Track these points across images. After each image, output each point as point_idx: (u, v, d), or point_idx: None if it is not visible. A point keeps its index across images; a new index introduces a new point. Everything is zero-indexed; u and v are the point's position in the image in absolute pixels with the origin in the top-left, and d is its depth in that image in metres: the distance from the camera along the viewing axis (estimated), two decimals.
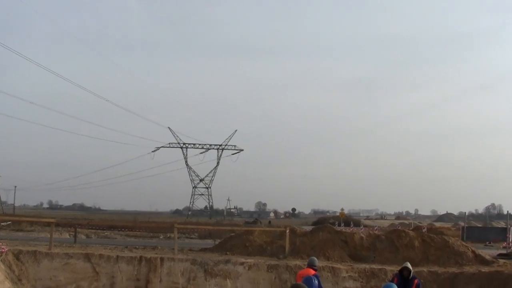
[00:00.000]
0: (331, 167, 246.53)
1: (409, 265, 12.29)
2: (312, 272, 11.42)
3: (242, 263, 18.71)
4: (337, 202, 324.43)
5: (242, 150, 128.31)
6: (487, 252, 24.39)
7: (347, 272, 18.59)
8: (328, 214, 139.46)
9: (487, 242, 35.89)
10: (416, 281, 12.13)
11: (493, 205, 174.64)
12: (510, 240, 31.43)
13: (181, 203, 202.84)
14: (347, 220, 67.04)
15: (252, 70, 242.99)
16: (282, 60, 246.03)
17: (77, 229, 33.99)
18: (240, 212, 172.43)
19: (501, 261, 22.22)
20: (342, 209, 68.29)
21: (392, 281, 12.32)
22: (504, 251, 27.75)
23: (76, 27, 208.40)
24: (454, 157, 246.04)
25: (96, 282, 17.36)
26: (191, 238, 39.93)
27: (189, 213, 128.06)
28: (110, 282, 17.45)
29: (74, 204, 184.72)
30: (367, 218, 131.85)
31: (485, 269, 18.66)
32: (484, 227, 60.88)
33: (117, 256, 18.18)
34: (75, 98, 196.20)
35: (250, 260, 19.30)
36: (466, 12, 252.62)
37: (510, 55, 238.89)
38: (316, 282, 10.54)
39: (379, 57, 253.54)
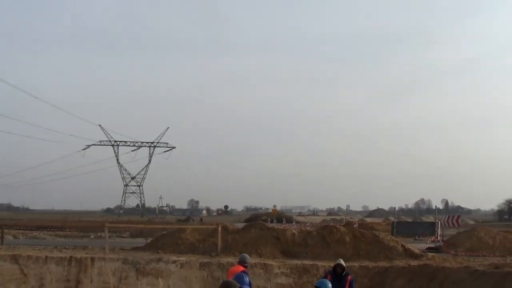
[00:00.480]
0: (263, 164, 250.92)
1: (342, 262, 12.93)
2: (241, 268, 11.94)
3: (174, 261, 18.99)
4: (269, 199, 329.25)
5: (174, 147, 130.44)
6: (416, 246, 25.71)
7: (279, 268, 19.13)
8: (260, 211, 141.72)
9: (417, 237, 37.51)
10: (349, 277, 12.78)
11: (422, 200, 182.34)
12: (439, 234, 33.26)
13: (112, 202, 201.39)
14: (280, 216, 68.58)
15: (185, 68, 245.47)
16: (214, 59, 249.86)
17: (4, 230, 33.09)
18: (173, 210, 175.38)
19: (430, 254, 23.60)
20: (275, 206, 70.08)
21: (325, 278, 13.04)
22: (432, 245, 29.28)
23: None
24: (385, 155, 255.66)
25: (24, 284, 17.18)
26: (123, 237, 39.77)
27: (121, 211, 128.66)
28: (38, 283, 17.31)
29: (1, 204, 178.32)
30: (300, 214, 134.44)
31: (414, 262, 19.65)
32: (413, 222, 63.53)
33: (46, 257, 18.01)
34: (2, 94, 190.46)
35: (182, 258, 19.59)
36: (402, 12, 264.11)
37: (436, 55, 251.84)
38: (247, 279, 11.04)
39: (319, 55, 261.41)
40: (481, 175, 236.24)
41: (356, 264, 19.64)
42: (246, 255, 12.97)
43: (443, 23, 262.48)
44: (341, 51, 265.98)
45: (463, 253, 24.43)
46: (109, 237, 23.19)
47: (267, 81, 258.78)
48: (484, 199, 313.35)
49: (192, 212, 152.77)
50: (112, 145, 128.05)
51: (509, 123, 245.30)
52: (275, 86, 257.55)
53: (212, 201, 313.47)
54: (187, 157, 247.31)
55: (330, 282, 8.62)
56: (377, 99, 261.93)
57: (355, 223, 49.89)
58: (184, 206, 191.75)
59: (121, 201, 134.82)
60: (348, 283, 12.57)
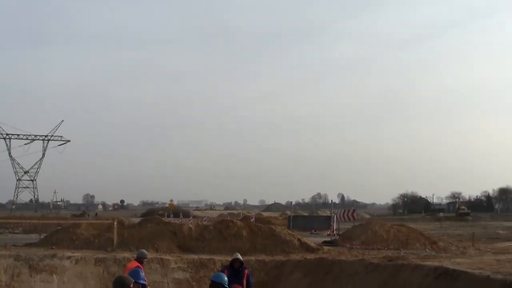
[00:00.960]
0: (160, 158, 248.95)
1: (239, 256, 13.31)
2: (136, 264, 12.11)
3: (68, 257, 18.73)
4: (166, 194, 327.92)
5: (69, 141, 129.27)
6: (312, 240, 26.75)
7: (176, 263, 19.31)
8: (157, 205, 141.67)
9: (313, 230, 38.86)
10: (246, 271, 13.19)
11: (319, 194, 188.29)
12: (334, 228, 34.70)
13: (4, 197, 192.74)
14: (176, 211, 68.89)
15: (80, 61, 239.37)
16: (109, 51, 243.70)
17: None
18: (68, 205, 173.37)
19: (326, 248, 24.63)
20: (171, 201, 70.57)
21: (222, 272, 13.44)
22: (328, 239, 30.39)
23: None
24: (283, 148, 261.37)
25: None
26: (15, 233, 38.22)
27: (13, 207, 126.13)
28: None
29: None
30: (197, 209, 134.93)
31: (310, 256, 20.45)
32: (310, 216, 65.66)
33: None
34: None
35: (77, 254, 19.38)
36: (287, 10, 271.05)
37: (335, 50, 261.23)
38: (143, 274, 11.23)
39: (218, 49, 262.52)
40: (377, 170, 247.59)
41: (253, 258, 20.11)
42: (144, 251, 13.10)
43: (325, 22, 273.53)
44: (229, 46, 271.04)
45: (358, 246, 25.56)
46: (0, 233, 22.35)
47: (164, 75, 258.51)
48: (379, 193, 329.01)
49: (87, 207, 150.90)
50: (4, 138, 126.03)
51: (400, 120, 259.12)
52: (171, 81, 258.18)
53: (108, 195, 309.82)
54: (82, 151, 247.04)
55: (226, 276, 8.98)
56: (273, 93, 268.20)
57: (252, 217, 50.76)
58: (80, 201, 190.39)
59: (14, 196, 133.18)
60: (245, 277, 12.97)
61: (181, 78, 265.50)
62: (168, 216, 56.04)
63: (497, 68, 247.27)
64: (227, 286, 8.43)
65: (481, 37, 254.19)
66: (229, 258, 20.19)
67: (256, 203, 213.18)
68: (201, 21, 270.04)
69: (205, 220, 45.33)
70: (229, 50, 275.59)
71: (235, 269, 13.00)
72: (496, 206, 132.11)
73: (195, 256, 20.56)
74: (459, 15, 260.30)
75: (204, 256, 20.65)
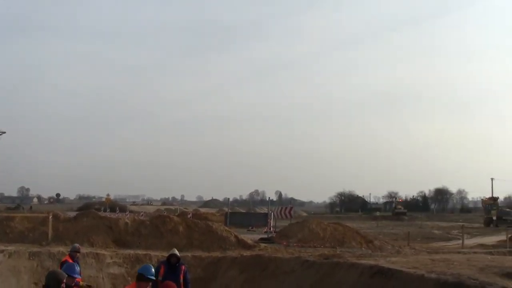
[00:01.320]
0: (98, 152, 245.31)
1: (176, 252, 13.21)
2: (69, 258, 11.83)
3: (2, 251, 18.32)
4: (103, 188, 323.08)
5: (4, 132, 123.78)
6: (249, 237, 26.89)
7: (111, 258, 19.15)
8: (94, 199, 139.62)
9: (250, 227, 38.97)
10: (183, 267, 13.11)
11: (256, 191, 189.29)
12: (271, 225, 34.91)
13: None
14: (113, 205, 69.00)
15: (18, 51, 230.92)
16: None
17: None
18: (1, 198, 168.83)
19: (262, 245, 24.81)
20: (108, 195, 69.85)
21: (158, 269, 13.21)
22: (265, 236, 30.69)
23: None
24: (222, 144, 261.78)
25: None
26: None
27: None
28: None
29: None
30: (134, 204, 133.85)
31: (247, 253, 20.59)
32: (247, 212, 65.89)
33: None
34: None
35: (11, 248, 18.99)
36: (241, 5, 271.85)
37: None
38: (78, 268, 10.99)
39: (156, 45, 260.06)
40: (315, 169, 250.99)
41: (189, 254, 20.08)
42: (76, 245, 12.85)
43: (278, 18, 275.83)
44: (181, 40, 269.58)
45: (295, 244, 25.80)
46: None
47: (106, 68, 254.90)
48: (317, 192, 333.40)
49: (22, 200, 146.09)
50: None
51: (338, 119, 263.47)
52: (113, 74, 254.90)
53: (43, 189, 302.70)
54: (17, 143, 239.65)
55: (152, 267, 8.87)
56: (218, 88, 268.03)
57: (189, 213, 50.68)
58: (14, 193, 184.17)
59: None
60: (182, 273, 12.89)
61: (123, 72, 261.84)
62: (105, 211, 55.74)
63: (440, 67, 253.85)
64: (152, 278, 8.38)
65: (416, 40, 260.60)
66: (165, 254, 20.03)
67: (194, 199, 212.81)
68: (148, 16, 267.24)
69: (141, 215, 44.86)
70: (172, 45, 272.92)
71: (171, 265, 12.89)
72: (432, 206, 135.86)
73: (131, 251, 20.44)
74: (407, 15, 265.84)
75: (140, 252, 20.54)
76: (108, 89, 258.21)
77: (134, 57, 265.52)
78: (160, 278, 12.66)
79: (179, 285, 12.67)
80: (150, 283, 8.51)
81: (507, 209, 75.90)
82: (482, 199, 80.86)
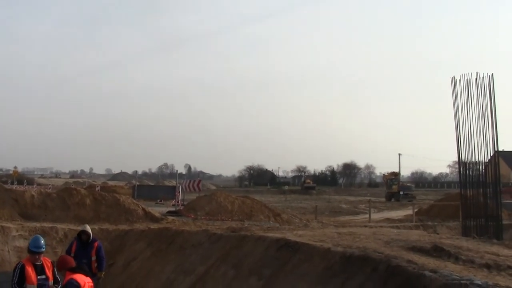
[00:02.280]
0: (5, 123, 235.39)
1: (87, 229, 12.84)
2: None
3: None
4: (10, 160, 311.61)
5: None
6: (157, 210, 26.75)
7: (17, 231, 18.62)
8: (1, 172, 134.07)
9: (158, 200, 38.89)
10: (96, 243, 12.77)
11: (165, 164, 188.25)
12: (179, 198, 34.81)
13: None
14: (21, 178, 68.01)
15: None
16: None
17: None
18: None
19: (170, 218, 24.74)
20: (15, 167, 67.76)
21: (70, 246, 12.87)
22: (173, 209, 30.65)
23: None
24: (131, 118, 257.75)
25: None
26: None
27: None
28: None
29: None
30: (42, 176, 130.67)
31: (154, 226, 20.46)
32: (155, 185, 65.61)
33: None
34: None
35: None
36: None
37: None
38: None
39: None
40: (224, 143, 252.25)
41: (96, 227, 19.77)
42: None
43: None
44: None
45: (202, 217, 25.90)
46: None
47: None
48: (226, 165, 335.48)
49: None
50: None
51: (246, 94, 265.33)
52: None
53: None
54: None
55: (40, 239, 8.67)
56: (118, 62, 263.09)
57: (97, 186, 49.70)
58: None
59: None
60: (94, 249, 12.61)
61: (22, 45, 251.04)
62: (12, 183, 54.35)
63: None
64: (35, 250, 8.23)
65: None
66: (72, 227, 19.81)
67: (103, 172, 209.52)
68: None
69: (49, 188, 43.58)
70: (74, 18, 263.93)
71: (83, 242, 12.58)
72: (340, 180, 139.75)
73: (37, 224, 19.96)
74: None
75: (46, 224, 20.12)
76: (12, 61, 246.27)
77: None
78: (72, 254, 12.39)
79: (90, 262, 12.41)
80: (37, 255, 8.34)
81: (408, 184, 79.37)
82: (383, 174, 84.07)
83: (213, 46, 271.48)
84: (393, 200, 63.94)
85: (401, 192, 66.74)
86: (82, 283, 7.42)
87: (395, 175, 72.86)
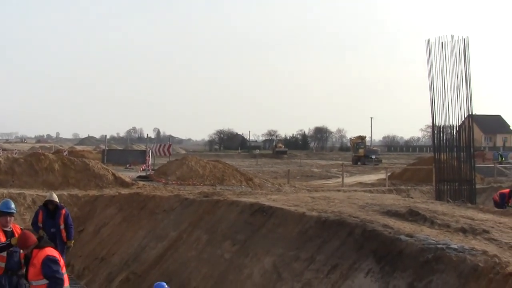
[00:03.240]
0: None
1: (53, 197, 12.63)
2: None
3: None
4: None
5: None
6: (127, 175, 26.70)
7: None
8: None
9: (128, 165, 38.82)
10: (63, 211, 12.59)
11: (134, 128, 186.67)
12: (150, 163, 34.71)
13: None
14: None
15: None
16: None
17: None
18: None
19: (141, 183, 24.77)
20: None
21: (36, 216, 12.68)
22: (143, 174, 30.61)
23: None
24: (96, 81, 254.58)
25: None
26: None
27: None
28: None
29: None
30: (7, 141, 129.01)
31: (124, 191, 20.43)
32: (124, 150, 65.09)
33: None
34: None
35: None
36: None
37: None
38: None
39: None
40: (193, 106, 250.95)
41: (65, 192, 19.76)
42: None
43: None
44: None
45: (173, 182, 25.94)
46: None
47: None
48: (196, 129, 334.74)
49: None
50: None
51: (215, 56, 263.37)
52: None
53: None
54: None
55: (10, 202, 8.48)
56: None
57: (64, 151, 49.22)
58: None
59: None
60: (62, 217, 12.47)
61: None
62: None
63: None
64: (9, 211, 8.08)
65: None
66: (40, 193, 19.62)
67: (70, 136, 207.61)
68: None
69: (15, 153, 42.92)
70: None
71: (49, 210, 12.43)
72: (312, 144, 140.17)
73: (4, 191, 19.82)
74: None
75: (14, 191, 20.04)
76: None
77: None
78: (40, 224, 12.25)
79: (59, 230, 12.32)
80: (8, 217, 8.15)
81: (374, 148, 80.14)
82: (350, 138, 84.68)
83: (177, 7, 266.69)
84: (359, 163, 64.66)
85: (373, 156, 67.45)
86: (58, 257, 7.19)
87: (362, 139, 73.44)
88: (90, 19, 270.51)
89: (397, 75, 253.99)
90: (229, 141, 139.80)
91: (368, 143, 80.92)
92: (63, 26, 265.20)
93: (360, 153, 69.36)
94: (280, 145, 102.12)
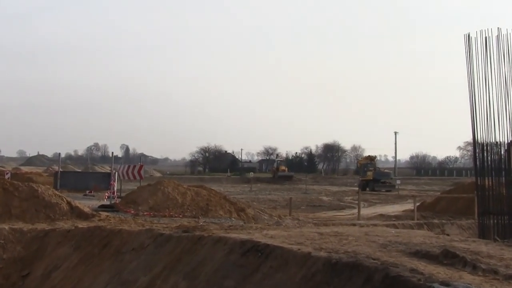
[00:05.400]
0: None
1: None
2: None
3: None
4: None
5: None
6: (86, 204, 26.65)
7: None
8: None
9: (87, 191, 38.76)
10: None
11: (96, 145, 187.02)
12: (115, 189, 34.63)
13: None
14: None
15: None
16: None
17: None
18: None
19: (103, 214, 24.63)
20: None
21: None
22: (107, 202, 30.48)
23: None
24: (47, 85, 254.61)
25: None
26: None
27: None
28: None
29: None
30: None
31: (83, 224, 20.35)
32: (84, 172, 65.34)
33: None
34: None
35: None
36: None
37: None
38: None
39: None
40: (171, 118, 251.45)
41: (6, 226, 19.61)
42: None
43: None
44: None
45: (145, 213, 25.87)
46: None
47: None
48: (174, 147, 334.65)
49: None
50: None
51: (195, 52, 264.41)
52: None
53: None
54: None
55: None
56: None
57: (7, 173, 49.24)
58: None
59: None
60: None
61: None
62: None
63: None
64: None
65: None
66: None
67: (14, 154, 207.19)
68: None
69: None
70: None
71: None
72: (320, 166, 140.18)
73: None
74: None
75: None
76: None
77: None
78: None
79: None
80: None
81: (386, 170, 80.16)
82: (357, 159, 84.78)
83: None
84: (367, 189, 64.85)
85: (385, 180, 67.64)
86: None
87: (371, 159, 73.83)
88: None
89: (428, 79, 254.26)
90: (216, 162, 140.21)
91: (389, 164, 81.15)
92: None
93: (369, 176, 69.68)
94: (283, 167, 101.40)
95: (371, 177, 68.85)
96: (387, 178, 70.43)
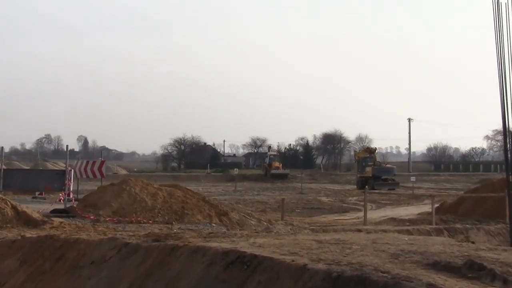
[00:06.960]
0: None
1: None
2: None
3: None
4: None
5: None
6: (36, 208, 26.70)
7: None
8: None
9: (37, 193, 38.77)
10: None
11: (48, 137, 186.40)
12: (71, 189, 34.58)
13: None
14: None
15: None
16: None
17: None
18: None
19: (57, 220, 24.64)
20: None
21: None
22: (61, 206, 30.45)
23: None
24: None
25: None
26: None
27: None
28: None
29: None
30: None
31: (32, 233, 20.34)
32: (33, 170, 65.03)
33: None
34: None
35: None
36: None
37: None
38: None
39: None
40: (138, 105, 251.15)
41: None
42: None
43: None
44: None
45: (108, 219, 25.88)
46: None
47: None
48: (142, 139, 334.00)
49: None
50: None
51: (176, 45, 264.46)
52: None
53: None
54: None
55: None
56: None
57: None
58: None
59: None
60: None
61: None
62: None
63: None
64: None
65: None
66: None
67: None
68: None
69: None
70: None
71: None
72: (319, 160, 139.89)
73: None
74: None
75: None
76: None
77: None
78: None
79: None
80: None
81: (388, 165, 79.76)
82: (354, 151, 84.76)
83: None
84: (367, 187, 64.91)
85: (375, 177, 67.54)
86: None
87: (371, 152, 73.80)
88: None
89: (448, 58, 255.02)
90: (193, 156, 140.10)
91: (402, 158, 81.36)
92: None
93: (367, 172, 69.39)
94: (277, 164, 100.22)
95: (371, 173, 68.46)
96: (389, 175, 69.85)
